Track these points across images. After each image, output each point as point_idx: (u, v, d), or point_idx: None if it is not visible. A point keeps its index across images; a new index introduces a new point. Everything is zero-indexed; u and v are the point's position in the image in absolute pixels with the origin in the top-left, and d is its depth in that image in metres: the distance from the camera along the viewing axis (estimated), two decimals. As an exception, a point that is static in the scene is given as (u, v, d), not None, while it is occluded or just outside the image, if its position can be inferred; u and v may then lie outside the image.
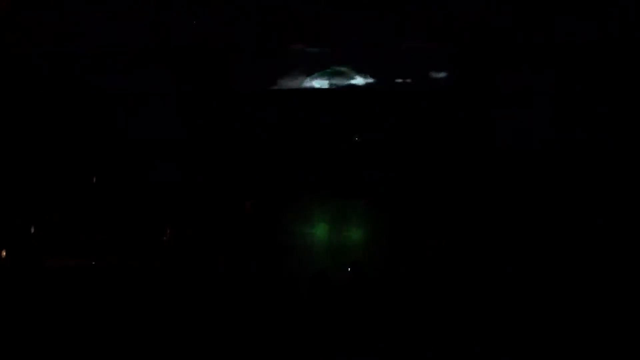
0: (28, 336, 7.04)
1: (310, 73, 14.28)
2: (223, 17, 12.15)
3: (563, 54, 12.49)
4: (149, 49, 12.61)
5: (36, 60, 11.79)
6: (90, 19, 11.68)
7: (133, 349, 6.78)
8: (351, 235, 10.77)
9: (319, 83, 14.28)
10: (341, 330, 7.28)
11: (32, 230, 11.16)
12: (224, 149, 13.81)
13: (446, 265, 9.69)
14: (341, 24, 12.45)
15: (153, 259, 10.06)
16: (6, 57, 11.39)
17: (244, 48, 13.31)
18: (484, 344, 7.01)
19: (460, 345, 6.94)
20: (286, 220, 11.61)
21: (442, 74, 14.07)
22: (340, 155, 13.84)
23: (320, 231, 10.87)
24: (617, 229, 10.91)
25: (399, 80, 13.96)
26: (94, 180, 12.86)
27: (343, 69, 14.21)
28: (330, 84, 14.25)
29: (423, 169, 13.45)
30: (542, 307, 8.04)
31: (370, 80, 14.16)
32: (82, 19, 11.64)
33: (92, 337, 7.03)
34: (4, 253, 9.70)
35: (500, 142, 13.63)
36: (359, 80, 14.24)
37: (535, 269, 9.36)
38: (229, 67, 14.13)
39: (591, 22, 11.65)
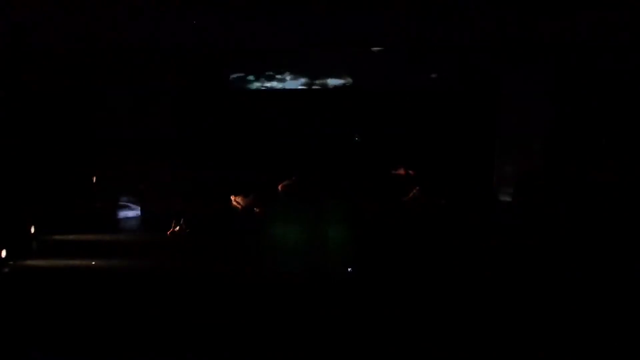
0: (27, 336, 7.05)
1: (308, 73, 14.32)
2: (221, 19, 12.14)
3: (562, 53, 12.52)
4: (149, 50, 12.62)
5: (38, 60, 11.81)
6: (91, 20, 11.69)
7: (132, 348, 6.78)
8: (345, 233, 10.78)
9: (317, 83, 14.32)
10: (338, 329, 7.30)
11: (32, 230, 11.18)
12: (222, 147, 13.86)
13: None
14: (340, 25, 12.44)
15: (153, 258, 10.11)
16: (8, 57, 11.42)
17: (242, 49, 13.33)
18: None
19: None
20: (282, 216, 11.64)
21: (443, 75, 14.11)
22: (339, 154, 13.89)
23: (314, 228, 10.90)
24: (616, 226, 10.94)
25: (398, 80, 13.99)
26: (94, 178, 12.90)
27: (341, 69, 14.26)
28: (328, 85, 14.29)
29: (422, 168, 13.48)
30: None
31: (367, 80, 14.20)
32: (83, 20, 11.65)
33: (90, 336, 7.03)
34: (3, 253, 9.72)
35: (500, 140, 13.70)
36: (356, 81, 14.27)
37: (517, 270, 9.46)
38: (227, 67, 14.19)
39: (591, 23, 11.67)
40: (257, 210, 11.91)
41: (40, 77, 11.91)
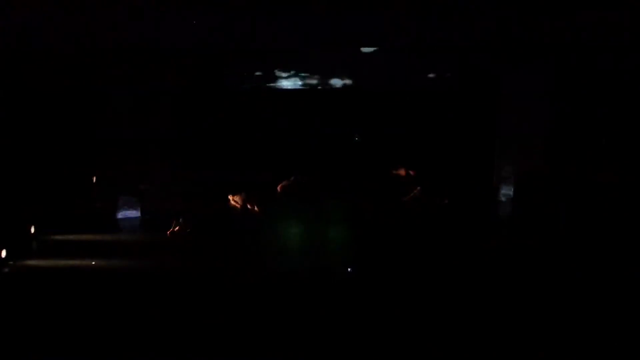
0: (28, 336, 7.05)
1: (308, 73, 14.31)
2: (221, 20, 12.14)
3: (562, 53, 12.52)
4: (149, 50, 12.60)
5: (38, 60, 11.79)
6: (91, 20, 11.68)
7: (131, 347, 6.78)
8: (345, 233, 10.79)
9: (317, 84, 14.31)
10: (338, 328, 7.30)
11: (32, 230, 11.18)
12: (222, 147, 13.87)
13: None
14: (340, 25, 12.44)
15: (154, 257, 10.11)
16: (8, 57, 11.41)
17: (242, 49, 13.32)
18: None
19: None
20: (282, 216, 11.67)
21: (443, 75, 14.11)
22: (339, 154, 13.89)
23: (314, 228, 10.91)
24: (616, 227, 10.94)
25: (398, 81, 13.99)
26: (94, 178, 12.89)
27: (342, 70, 14.25)
28: (328, 85, 14.28)
29: (422, 168, 13.48)
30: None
31: (367, 80, 14.19)
32: (83, 20, 11.64)
33: (90, 336, 7.04)
34: (3, 253, 9.72)
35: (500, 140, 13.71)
36: (356, 81, 14.27)
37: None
38: (227, 67, 14.19)
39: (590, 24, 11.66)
40: (254, 209, 11.93)
41: (41, 78, 11.90)
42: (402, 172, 13.39)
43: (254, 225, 11.59)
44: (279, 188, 12.50)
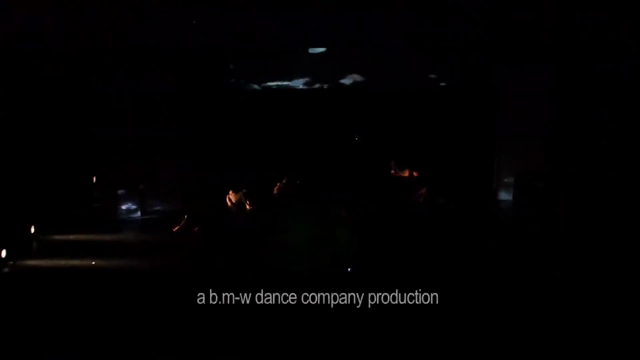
0: (28, 336, 7.06)
1: (308, 74, 14.32)
2: (221, 20, 12.14)
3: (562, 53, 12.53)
4: (149, 50, 12.61)
5: (38, 60, 11.79)
6: (91, 20, 11.67)
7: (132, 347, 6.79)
8: (345, 232, 10.78)
9: (317, 83, 14.32)
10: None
11: (32, 230, 11.18)
12: (222, 147, 13.88)
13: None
14: (340, 25, 12.45)
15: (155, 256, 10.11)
16: (9, 57, 11.40)
17: (242, 49, 13.34)
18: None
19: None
20: (280, 215, 11.67)
21: (443, 74, 14.12)
22: (338, 154, 13.90)
23: (314, 228, 10.91)
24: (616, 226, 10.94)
25: (398, 80, 14.00)
26: (94, 178, 12.89)
27: (342, 69, 14.27)
28: (329, 85, 14.29)
29: (421, 168, 13.48)
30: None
31: (368, 80, 14.20)
32: (83, 21, 11.64)
33: (90, 336, 7.04)
34: (3, 253, 9.72)
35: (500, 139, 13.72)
36: (357, 81, 14.28)
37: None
38: (227, 67, 14.21)
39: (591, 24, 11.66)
40: (254, 208, 11.92)
41: (41, 78, 11.89)
42: (404, 172, 13.39)
43: (254, 225, 11.60)
44: (275, 189, 12.52)
